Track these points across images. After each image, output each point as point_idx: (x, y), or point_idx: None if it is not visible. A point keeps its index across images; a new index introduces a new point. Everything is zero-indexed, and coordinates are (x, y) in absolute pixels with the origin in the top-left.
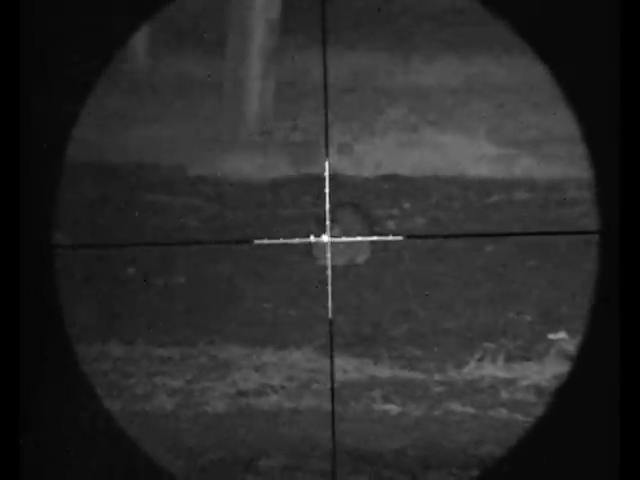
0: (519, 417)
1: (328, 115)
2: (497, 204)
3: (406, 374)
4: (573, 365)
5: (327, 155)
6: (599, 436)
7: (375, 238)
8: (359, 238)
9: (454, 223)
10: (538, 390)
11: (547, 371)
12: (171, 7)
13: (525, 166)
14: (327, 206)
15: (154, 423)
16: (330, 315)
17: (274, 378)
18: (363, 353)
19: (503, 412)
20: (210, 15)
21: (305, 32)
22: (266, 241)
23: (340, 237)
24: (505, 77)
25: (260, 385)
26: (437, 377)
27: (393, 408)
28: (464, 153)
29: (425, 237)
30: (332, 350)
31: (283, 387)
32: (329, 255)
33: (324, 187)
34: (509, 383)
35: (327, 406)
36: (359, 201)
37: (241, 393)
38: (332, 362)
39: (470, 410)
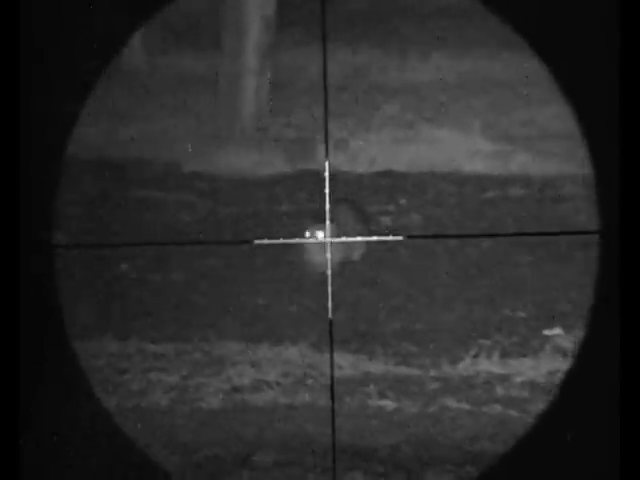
0: (514, 413)
1: (323, 112)
2: (492, 200)
3: (401, 370)
4: (573, 364)
5: (327, 155)
6: (599, 435)
7: (375, 238)
8: (359, 238)
9: (450, 219)
10: (533, 386)
11: (542, 367)
12: (167, 4)
13: (520, 162)
14: (327, 206)
15: (149, 419)
16: (330, 315)
17: (269, 374)
18: (359, 349)
19: (498, 408)
20: (206, 12)
21: (301, 29)
22: (266, 241)
23: (340, 237)
24: (500, 73)
25: (255, 381)
26: (432, 373)
27: (388, 404)
28: (459, 149)
29: (426, 237)
30: (332, 350)
31: (278, 383)
32: (329, 256)
33: (323, 187)
34: (504, 379)
35: (322, 402)
36: (355, 197)
37: (236, 389)
38: (332, 361)
39: (465, 406)
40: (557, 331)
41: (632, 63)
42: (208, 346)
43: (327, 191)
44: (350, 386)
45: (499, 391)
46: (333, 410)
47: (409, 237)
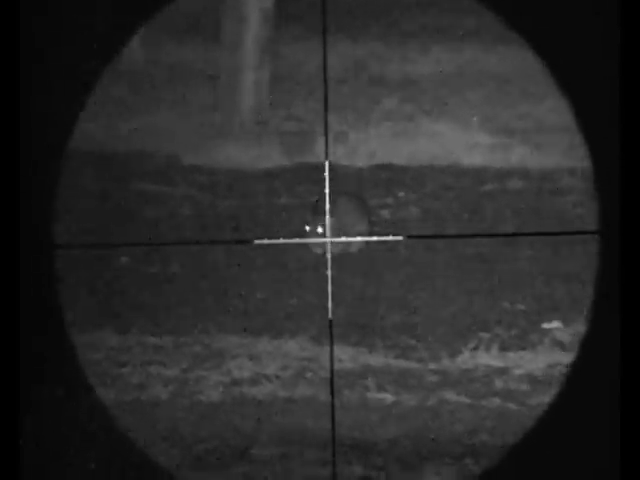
0: (513, 406)
1: (324, 106)
2: (491, 193)
3: (400, 363)
4: (574, 359)
5: (327, 156)
6: (599, 433)
7: (375, 238)
8: (359, 238)
9: (449, 212)
10: (532, 379)
11: (541, 360)
12: (167, 3)
13: (519, 155)
14: (327, 206)
15: (149, 412)
16: (330, 316)
17: (269, 367)
18: (358, 342)
19: (497, 401)
20: (205, 5)
21: (301, 22)
22: (266, 241)
23: (340, 236)
24: (499, 66)
25: (255, 374)
26: (431, 366)
27: (387, 397)
28: (458, 142)
29: (426, 237)
30: (332, 349)
31: (278, 376)
32: (329, 256)
33: (323, 182)
34: (503, 372)
35: (322, 395)
36: (354, 191)
37: (236, 382)
38: (332, 358)
39: (464, 399)
40: (556, 324)
41: (632, 62)
42: (208, 339)
43: (327, 191)
44: (349, 379)
45: (498, 384)
46: (333, 404)
47: (409, 237)
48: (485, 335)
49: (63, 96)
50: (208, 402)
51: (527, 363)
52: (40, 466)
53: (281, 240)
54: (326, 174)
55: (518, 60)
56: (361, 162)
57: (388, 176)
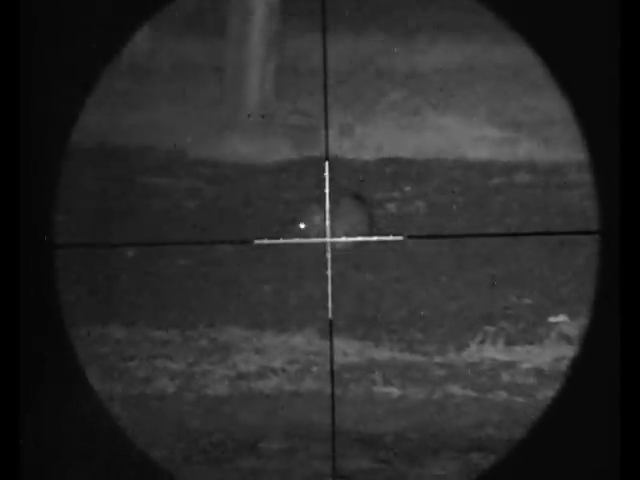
0: (519, 400)
1: (329, 99)
2: (498, 187)
3: (407, 357)
4: (574, 361)
5: (327, 158)
6: (600, 431)
7: (375, 238)
8: (359, 238)
9: (455, 206)
10: (539, 373)
11: (548, 354)
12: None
13: (526, 148)
14: (327, 206)
15: (155, 406)
16: (330, 315)
17: (275, 361)
18: (364, 336)
19: (503, 395)
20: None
21: (306, 16)
22: (266, 241)
23: (340, 237)
24: (506, 59)
25: (261, 368)
26: (438, 360)
27: (393, 391)
28: (465, 136)
29: (426, 237)
30: (332, 348)
31: (284, 370)
32: (329, 256)
33: (324, 187)
34: (510, 366)
35: (328, 389)
36: (359, 191)
37: (242, 376)
38: (332, 358)
39: (470, 393)
40: (562, 318)
41: (633, 62)
42: (214, 333)
43: (327, 191)
44: (355, 373)
45: (504, 378)
46: (333, 397)
47: (409, 237)
48: (491, 329)
49: (63, 96)
50: (214, 396)
51: (534, 357)
52: (40, 466)
53: (281, 240)
54: (326, 174)
55: (525, 53)
56: (367, 155)
57: (394, 169)
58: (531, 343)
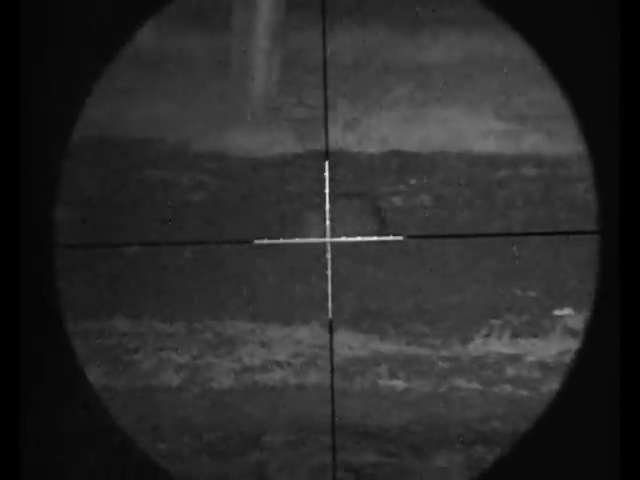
0: (524, 393)
1: (334, 92)
2: (504, 180)
3: (412, 350)
4: (577, 355)
5: (327, 158)
6: (600, 430)
7: (375, 238)
8: (359, 238)
9: (460, 199)
10: (543, 366)
11: (553, 347)
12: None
13: (532, 142)
14: (327, 206)
15: (160, 399)
16: (330, 315)
17: (280, 354)
18: (369, 329)
19: (508, 388)
20: None
21: (312, 8)
22: (266, 241)
23: (340, 237)
24: (511, 52)
25: (266, 361)
26: (443, 353)
27: (399, 384)
28: (470, 129)
29: (426, 237)
30: (332, 348)
31: (289, 363)
32: (329, 256)
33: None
34: (515, 359)
35: (334, 382)
36: (365, 184)
37: (247, 369)
38: (332, 357)
39: (476, 386)
40: (567, 311)
41: (633, 61)
42: (220, 326)
43: (327, 191)
44: (361, 366)
45: (509, 371)
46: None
47: (409, 237)
48: (497, 322)
49: (63, 96)
50: (219, 389)
51: (539, 350)
52: (40, 466)
53: (281, 240)
54: (326, 174)
55: (529, 47)
56: (373, 149)
57: (399, 163)
58: (536, 336)
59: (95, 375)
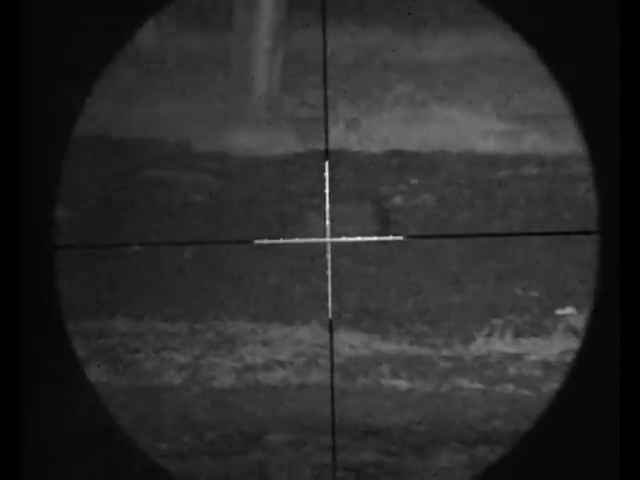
0: (526, 393)
1: (335, 91)
2: (505, 179)
3: (414, 350)
4: (574, 359)
5: (327, 158)
6: (600, 430)
7: (375, 238)
8: (359, 238)
9: (461, 199)
10: (546, 365)
11: (555, 347)
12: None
13: (532, 141)
14: (327, 206)
15: (162, 398)
16: (330, 315)
17: (281, 353)
18: (371, 328)
19: (510, 388)
20: None
21: (313, 7)
22: (266, 241)
23: (340, 237)
24: (511, 52)
25: (268, 360)
26: (445, 353)
27: (401, 384)
28: (471, 128)
29: (426, 237)
30: (332, 348)
31: (291, 362)
32: (329, 256)
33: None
34: (517, 359)
35: (335, 382)
36: (367, 183)
37: (248, 368)
38: (332, 357)
39: (478, 386)
40: (569, 310)
41: (633, 61)
42: (221, 325)
43: (327, 191)
44: (362, 366)
45: (512, 371)
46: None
47: (409, 237)
48: (498, 321)
49: (63, 96)
50: (221, 388)
51: (540, 349)
52: (40, 466)
53: (281, 240)
54: (326, 174)
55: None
56: (374, 148)
57: (400, 162)
58: (537, 336)
59: (96, 375)
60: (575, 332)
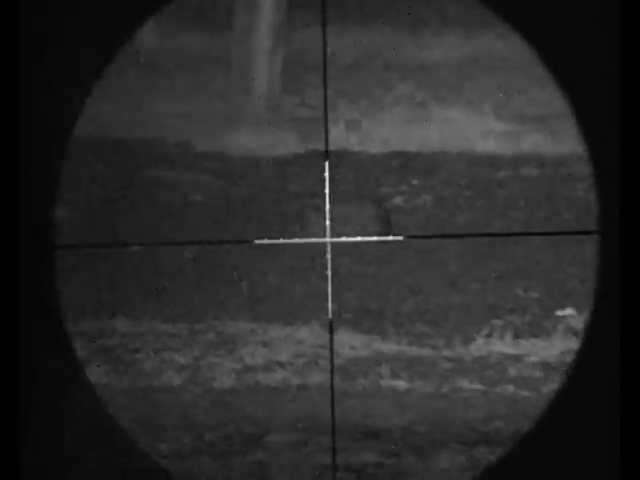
0: (526, 394)
1: (335, 92)
2: (505, 180)
3: (414, 350)
4: (574, 360)
5: (327, 158)
6: (600, 430)
7: (375, 238)
8: (359, 238)
9: (462, 199)
10: (546, 366)
11: (555, 347)
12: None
13: (532, 142)
14: (327, 206)
15: (162, 399)
16: (330, 315)
17: (281, 354)
18: (370, 329)
19: (511, 388)
20: None
21: (313, 8)
22: (266, 241)
23: (340, 237)
24: (511, 53)
25: (268, 361)
26: (445, 353)
27: (401, 384)
28: (471, 129)
29: (426, 237)
30: (332, 348)
31: (291, 363)
32: (329, 257)
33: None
34: (517, 359)
35: (335, 382)
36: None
37: (248, 369)
38: (332, 357)
39: (478, 387)
40: (569, 311)
41: (633, 61)
42: (221, 326)
43: (327, 191)
44: (362, 366)
45: (512, 371)
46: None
47: (409, 237)
48: (498, 322)
49: (63, 96)
50: (221, 389)
51: (540, 350)
52: (40, 466)
53: (281, 240)
54: (326, 174)
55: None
56: (374, 149)
57: (401, 163)
58: (537, 336)
59: (96, 375)
60: (575, 333)
